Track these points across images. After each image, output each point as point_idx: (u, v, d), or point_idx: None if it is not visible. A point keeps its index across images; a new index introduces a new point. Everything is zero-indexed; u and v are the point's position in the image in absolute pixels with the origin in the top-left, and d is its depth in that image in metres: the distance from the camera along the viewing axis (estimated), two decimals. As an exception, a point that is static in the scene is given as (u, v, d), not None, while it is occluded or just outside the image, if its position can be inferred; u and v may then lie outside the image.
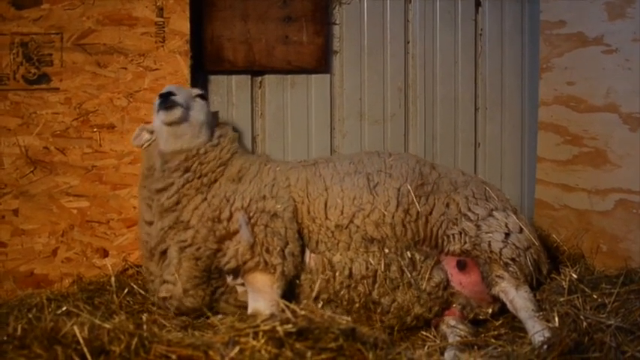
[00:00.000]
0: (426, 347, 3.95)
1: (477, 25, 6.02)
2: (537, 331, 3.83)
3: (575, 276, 4.32)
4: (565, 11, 5.34)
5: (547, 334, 3.72)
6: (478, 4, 6.00)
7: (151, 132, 4.64)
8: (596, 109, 5.09)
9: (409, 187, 4.49)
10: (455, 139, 6.02)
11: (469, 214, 4.46)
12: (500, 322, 4.33)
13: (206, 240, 4.26)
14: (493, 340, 3.97)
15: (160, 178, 4.44)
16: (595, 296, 4.08)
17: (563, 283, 4.26)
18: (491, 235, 4.38)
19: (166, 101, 4.36)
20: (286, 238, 4.27)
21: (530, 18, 6.02)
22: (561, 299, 4.07)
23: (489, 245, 4.33)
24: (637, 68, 4.74)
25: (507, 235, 4.40)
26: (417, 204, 4.44)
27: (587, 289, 4.16)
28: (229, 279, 4.35)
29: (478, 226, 4.41)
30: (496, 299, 4.33)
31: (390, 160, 4.68)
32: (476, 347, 3.92)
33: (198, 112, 4.51)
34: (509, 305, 4.23)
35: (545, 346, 3.48)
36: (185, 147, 4.43)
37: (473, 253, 4.35)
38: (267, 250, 4.20)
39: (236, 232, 4.25)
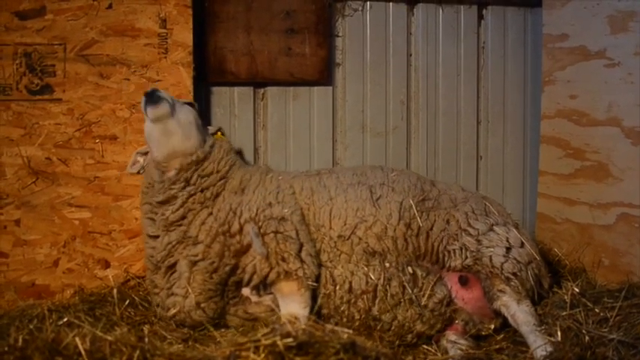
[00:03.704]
0: (428, 361, 3.95)
1: (479, 38, 6.04)
2: (539, 346, 3.83)
3: (577, 290, 4.31)
4: (568, 25, 5.35)
5: (549, 348, 3.72)
6: (481, 17, 6.01)
7: (145, 154, 4.68)
8: (598, 123, 5.10)
9: (411, 201, 4.50)
10: (457, 152, 6.03)
11: (469, 229, 4.46)
12: (502, 336, 4.32)
13: (222, 256, 4.25)
14: (495, 354, 3.97)
15: (160, 190, 4.43)
16: (597, 310, 4.07)
17: (565, 297, 4.25)
18: (492, 249, 4.37)
19: (152, 97, 4.35)
20: (299, 240, 4.26)
21: (533, 31, 6.04)
22: (563, 313, 4.07)
23: (490, 260, 4.32)
24: (639, 82, 4.74)
25: (508, 249, 4.40)
26: (418, 219, 4.45)
27: (589, 304, 4.15)
28: (247, 291, 4.35)
29: (479, 241, 4.41)
30: (498, 314, 4.32)
31: (393, 174, 4.70)
32: (477, 361, 3.93)
33: (186, 113, 4.48)
34: (510, 320, 4.22)
35: (547, 361, 3.49)
36: (178, 149, 4.40)
37: (474, 268, 4.34)
38: (283, 259, 4.19)
39: (250, 246, 4.25)
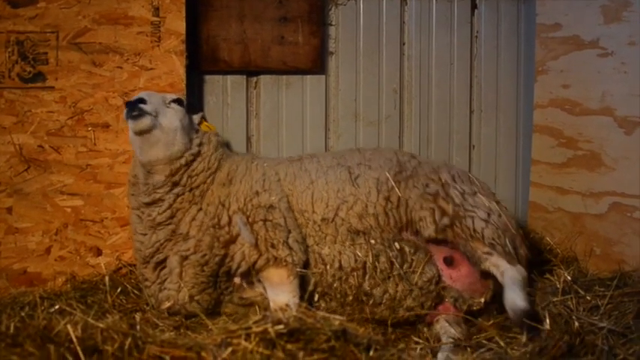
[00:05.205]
0: (419, 348, 3.95)
1: (472, 27, 6.02)
2: (519, 296, 4.00)
3: (569, 277, 4.33)
4: (561, 14, 5.35)
5: (522, 303, 3.89)
6: (474, 6, 6.00)
7: None
8: (591, 112, 5.10)
9: (387, 174, 4.52)
10: (450, 142, 6.02)
11: (455, 185, 4.54)
12: (490, 322, 4.33)
13: (212, 247, 4.26)
14: (485, 342, 3.97)
15: (145, 192, 4.40)
16: (589, 298, 4.09)
17: (557, 283, 4.27)
18: (475, 211, 4.42)
19: (133, 110, 4.25)
20: (287, 227, 4.30)
21: (526, 21, 6.03)
22: (555, 299, 4.09)
23: (473, 222, 4.37)
24: (632, 72, 4.75)
25: (489, 215, 4.43)
26: (397, 189, 4.48)
27: (580, 291, 4.17)
28: (238, 280, 4.36)
29: (464, 198, 4.46)
30: (487, 288, 4.37)
31: (369, 153, 4.75)
32: (468, 349, 3.93)
33: (171, 118, 4.38)
34: (499, 277, 4.25)
35: (537, 349, 3.49)
36: (161, 156, 4.34)
37: (453, 231, 4.37)
38: (272, 245, 4.22)
39: (238, 235, 4.26)
